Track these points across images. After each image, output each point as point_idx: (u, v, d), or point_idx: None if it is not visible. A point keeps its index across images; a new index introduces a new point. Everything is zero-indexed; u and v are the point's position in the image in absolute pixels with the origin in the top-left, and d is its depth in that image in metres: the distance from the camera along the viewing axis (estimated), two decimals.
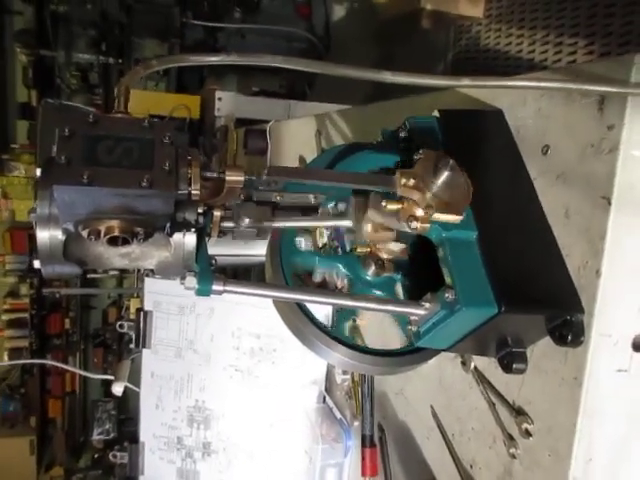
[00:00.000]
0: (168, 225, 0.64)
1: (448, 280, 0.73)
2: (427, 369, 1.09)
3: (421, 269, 0.85)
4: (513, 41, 2.64)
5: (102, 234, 0.60)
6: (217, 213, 0.72)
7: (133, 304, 3.56)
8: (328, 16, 4.21)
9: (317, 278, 1.54)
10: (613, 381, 0.73)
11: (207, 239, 0.73)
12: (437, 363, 1.06)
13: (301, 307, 0.87)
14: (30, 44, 4.10)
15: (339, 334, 0.87)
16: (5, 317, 4.62)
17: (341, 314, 0.97)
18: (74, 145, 0.57)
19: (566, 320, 0.73)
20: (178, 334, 1.55)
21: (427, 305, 0.75)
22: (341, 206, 0.88)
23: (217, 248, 1.63)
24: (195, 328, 1.55)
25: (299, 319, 0.86)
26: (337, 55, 4.04)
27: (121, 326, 1.63)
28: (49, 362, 4.55)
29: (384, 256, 0.86)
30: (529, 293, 0.74)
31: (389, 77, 0.71)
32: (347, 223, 0.87)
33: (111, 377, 1.76)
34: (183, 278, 0.69)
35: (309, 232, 1.39)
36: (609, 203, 0.69)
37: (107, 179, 0.57)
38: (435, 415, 1.06)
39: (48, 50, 4.01)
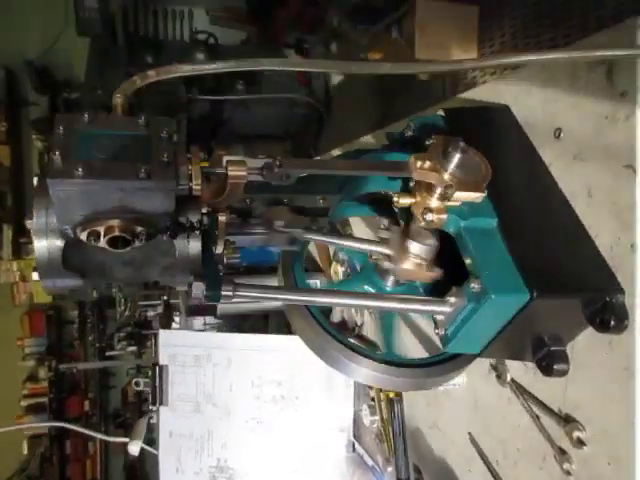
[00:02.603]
0: (170, 227, 0.61)
1: (472, 271, 0.68)
2: (460, 392, 1.01)
3: (443, 272, 0.80)
4: None
5: (102, 235, 0.57)
6: (222, 218, 0.69)
7: None
8: (327, 80, 4.36)
9: (336, 317, 1.50)
10: None
11: (214, 247, 0.70)
12: (470, 385, 0.99)
13: (322, 325, 0.82)
14: (45, 131, 4.28)
15: (365, 349, 0.81)
16: (24, 403, 4.54)
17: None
18: (69, 142, 0.56)
19: (605, 303, 0.67)
20: (195, 387, 1.48)
21: (452, 300, 0.70)
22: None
23: None
24: (213, 380, 1.48)
25: (322, 337, 0.81)
26: (338, 115, 4.14)
27: (137, 384, 1.57)
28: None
29: (402, 276, 0.81)
30: (561, 277, 0.68)
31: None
32: (386, 250, 0.81)
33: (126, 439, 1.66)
34: (190, 286, 0.65)
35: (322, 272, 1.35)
36: (634, 171, 0.65)
37: (103, 172, 0.54)
38: (474, 442, 0.97)
39: None
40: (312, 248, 1.56)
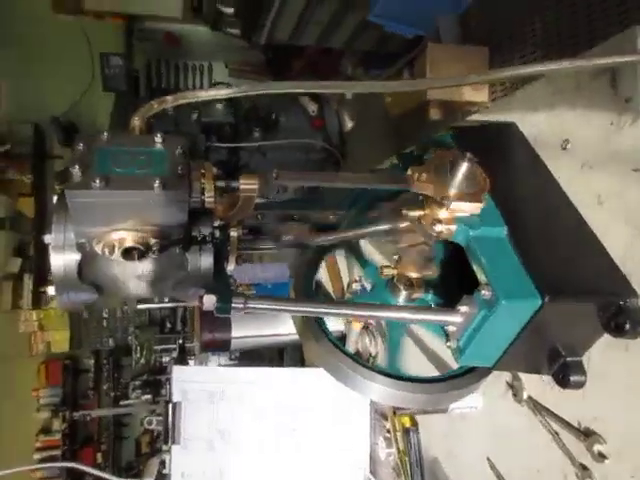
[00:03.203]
0: (183, 239, 0.63)
1: (483, 279, 0.68)
2: (477, 416, 0.99)
3: (454, 286, 0.80)
4: None
5: (116, 247, 0.59)
6: (234, 233, 0.70)
7: None
8: (341, 125, 4.46)
9: (350, 349, 1.48)
10: None
11: (225, 263, 0.71)
12: (486, 406, 0.97)
13: (337, 345, 0.82)
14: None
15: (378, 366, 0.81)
16: (37, 456, 4.46)
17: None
18: (88, 157, 0.58)
19: (620, 307, 0.66)
20: (208, 425, 1.46)
21: (463, 309, 0.70)
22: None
23: (245, 330, 1.59)
24: (226, 416, 1.45)
25: (337, 356, 0.81)
26: (354, 159, 4.21)
27: (149, 422, 1.55)
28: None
29: (413, 275, 0.81)
30: (573, 282, 0.68)
31: None
32: (384, 227, 0.82)
33: None
34: (201, 299, 0.67)
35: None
36: None
37: (120, 184, 0.57)
38: (493, 467, 0.94)
39: None
40: (323, 275, 1.56)
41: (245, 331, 1.57)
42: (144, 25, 4.37)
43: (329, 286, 1.47)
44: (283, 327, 1.58)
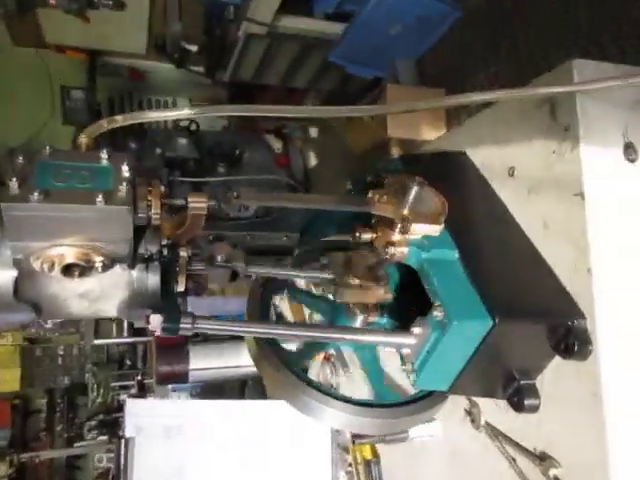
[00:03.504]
0: (128, 257, 0.61)
1: (435, 300, 0.68)
2: (437, 444, 0.97)
3: (409, 310, 0.80)
4: None
5: (56, 264, 0.57)
6: (183, 253, 0.69)
7: None
8: (305, 162, 4.51)
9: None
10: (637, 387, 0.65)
11: (175, 284, 0.69)
12: (446, 434, 0.95)
13: (293, 370, 0.80)
14: None
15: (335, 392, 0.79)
16: None
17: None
18: (28, 170, 0.56)
19: (569, 328, 0.67)
20: (164, 461, 1.39)
21: (417, 330, 0.69)
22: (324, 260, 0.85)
23: (204, 362, 1.54)
24: (184, 451, 1.39)
25: (292, 382, 0.78)
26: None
27: (100, 459, 1.46)
28: None
29: (350, 300, 0.81)
30: (523, 304, 0.69)
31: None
32: (328, 275, 0.83)
33: None
34: (148, 320, 0.64)
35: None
36: (582, 198, 0.68)
37: (60, 197, 0.55)
38: None
39: None
40: (286, 312, 1.55)
41: (204, 363, 1.53)
42: (107, 60, 4.38)
43: (290, 317, 1.46)
44: (244, 358, 1.55)
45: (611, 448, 0.63)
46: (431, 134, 3.13)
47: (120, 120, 0.72)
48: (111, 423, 3.94)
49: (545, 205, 0.74)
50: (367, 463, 1.17)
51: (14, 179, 0.54)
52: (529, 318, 0.67)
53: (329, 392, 0.76)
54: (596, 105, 0.69)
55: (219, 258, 0.71)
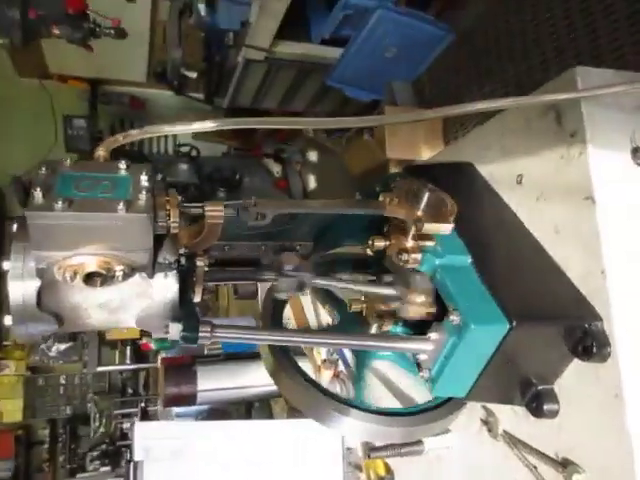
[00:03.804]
0: (148, 265, 0.61)
1: (451, 305, 0.69)
2: (453, 456, 0.96)
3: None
4: None
5: (78, 273, 0.57)
6: (200, 263, 0.69)
7: None
8: (305, 185, 4.54)
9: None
10: None
11: (192, 294, 0.70)
12: (462, 446, 0.94)
13: (310, 381, 0.80)
14: None
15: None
16: None
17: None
18: (51, 181, 0.57)
19: (586, 330, 0.67)
20: None
21: (433, 336, 0.70)
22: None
23: (212, 383, 1.53)
24: (192, 473, 1.37)
25: (311, 393, 0.78)
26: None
27: None
28: None
29: (382, 307, 0.81)
30: (539, 307, 0.69)
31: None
32: (393, 292, 0.81)
33: None
34: (167, 332, 0.64)
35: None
36: (593, 201, 0.69)
37: (82, 206, 0.56)
38: None
39: None
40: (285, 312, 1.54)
41: (212, 383, 1.52)
42: (108, 89, 4.44)
43: (292, 322, 1.45)
44: (252, 378, 1.54)
45: (636, 449, 0.63)
46: (430, 154, 3.16)
47: (135, 134, 0.73)
48: (114, 453, 3.88)
49: (555, 210, 0.75)
50: (381, 479, 1.15)
51: (38, 189, 0.55)
52: (546, 320, 0.67)
53: (348, 402, 0.75)
54: (601, 111, 0.70)
55: (287, 268, 0.72)
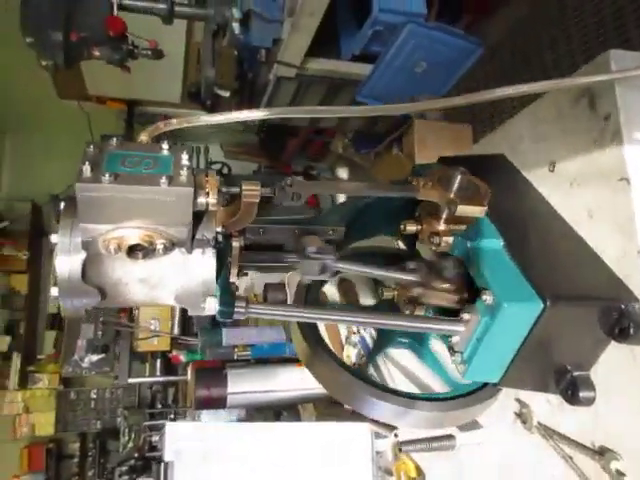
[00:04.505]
0: (187, 241, 0.64)
1: (483, 286, 0.69)
2: (485, 452, 0.95)
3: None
4: None
5: (122, 245, 0.60)
6: (236, 243, 0.71)
7: None
8: (334, 200, 4.57)
9: None
10: None
11: (227, 269, 0.71)
12: (495, 441, 0.93)
13: (347, 369, 0.80)
14: None
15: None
16: None
17: None
18: (98, 158, 0.60)
19: (622, 312, 0.66)
20: None
21: (466, 317, 0.70)
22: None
23: (243, 385, 1.54)
24: (222, 475, 1.37)
25: (347, 379, 0.78)
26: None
27: None
28: None
29: (413, 295, 0.81)
30: (573, 288, 0.69)
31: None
32: (414, 278, 0.81)
33: None
34: (204, 308, 0.66)
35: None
36: (628, 182, 0.69)
37: (128, 180, 0.59)
38: None
39: None
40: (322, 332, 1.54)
41: (242, 386, 1.53)
42: (144, 109, 4.57)
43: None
44: (280, 382, 1.54)
45: None
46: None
47: (175, 123, 0.76)
48: (142, 468, 3.90)
49: (588, 195, 0.75)
50: None
51: (87, 163, 0.58)
52: (581, 301, 0.67)
53: (386, 387, 0.76)
54: (635, 93, 0.70)
55: (310, 250, 0.73)
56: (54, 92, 4.55)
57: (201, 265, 0.65)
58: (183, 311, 3.76)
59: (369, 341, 1.36)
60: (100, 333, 3.57)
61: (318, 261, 0.74)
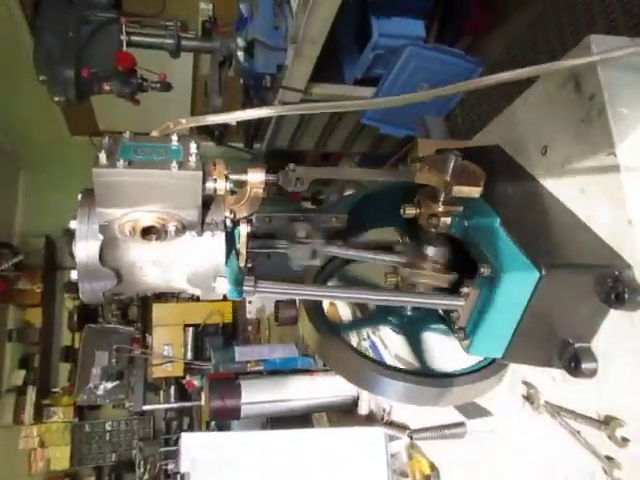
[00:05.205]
0: (197, 224, 0.67)
1: (481, 260, 0.72)
2: (495, 440, 0.96)
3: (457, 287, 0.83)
4: None
5: (137, 228, 0.64)
6: (244, 231, 0.75)
7: None
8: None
9: (363, 409, 1.45)
10: None
11: (237, 257, 0.75)
12: (505, 427, 0.94)
13: (357, 351, 0.83)
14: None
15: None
16: None
17: None
18: (113, 147, 0.65)
19: (616, 278, 0.69)
20: None
21: (465, 290, 0.72)
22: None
23: (256, 395, 1.55)
24: None
25: (357, 361, 0.81)
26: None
27: None
28: None
29: (420, 280, 0.84)
30: (567, 257, 0.72)
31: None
32: (400, 259, 0.85)
33: None
34: (214, 288, 0.70)
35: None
36: (615, 155, 0.72)
37: (141, 165, 0.63)
38: None
39: None
40: None
41: (256, 396, 1.54)
42: None
43: None
44: (294, 391, 1.55)
45: None
46: None
47: (184, 122, 0.81)
48: None
49: (580, 172, 0.78)
50: (426, 478, 1.14)
51: (103, 152, 0.63)
52: (576, 268, 0.69)
53: (393, 367, 0.78)
54: (617, 73, 0.74)
55: (300, 235, 0.77)
56: (66, 129, 4.68)
57: (211, 247, 0.69)
58: (195, 336, 3.79)
59: (380, 346, 1.38)
60: (114, 360, 3.59)
61: (308, 245, 0.77)
